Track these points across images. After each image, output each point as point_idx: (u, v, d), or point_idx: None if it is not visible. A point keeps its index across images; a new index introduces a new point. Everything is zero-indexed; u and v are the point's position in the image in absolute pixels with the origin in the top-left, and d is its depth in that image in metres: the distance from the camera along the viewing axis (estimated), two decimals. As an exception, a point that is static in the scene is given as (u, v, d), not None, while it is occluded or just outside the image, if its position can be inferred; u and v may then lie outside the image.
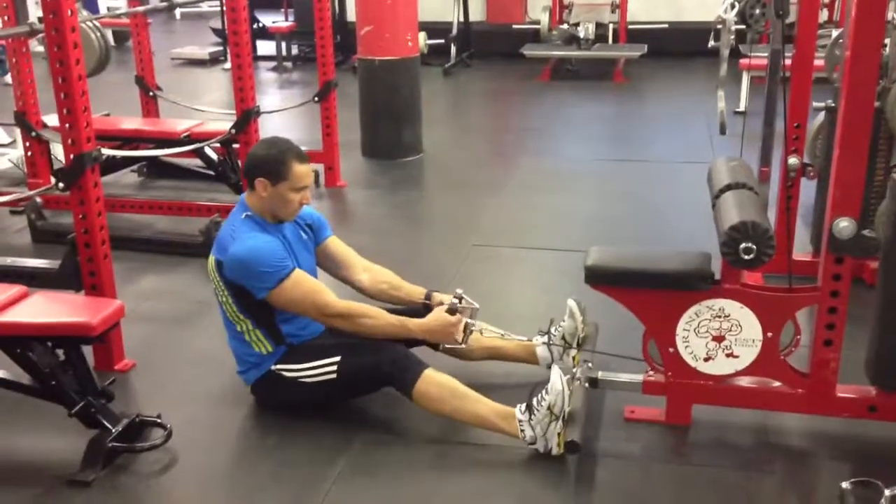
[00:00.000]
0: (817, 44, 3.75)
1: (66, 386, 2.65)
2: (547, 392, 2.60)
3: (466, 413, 2.70)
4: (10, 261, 3.62)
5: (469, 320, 2.90)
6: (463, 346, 2.90)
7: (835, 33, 4.62)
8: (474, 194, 5.37)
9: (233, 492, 2.61)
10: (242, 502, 2.57)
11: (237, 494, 2.60)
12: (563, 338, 3.05)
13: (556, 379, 2.61)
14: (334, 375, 2.78)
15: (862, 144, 2.42)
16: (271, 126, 6.55)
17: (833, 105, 3.67)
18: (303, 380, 2.81)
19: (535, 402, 2.62)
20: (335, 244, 3.11)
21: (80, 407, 2.66)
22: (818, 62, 3.77)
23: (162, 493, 2.59)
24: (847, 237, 2.45)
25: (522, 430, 2.63)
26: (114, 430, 2.66)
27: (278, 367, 2.84)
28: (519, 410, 2.65)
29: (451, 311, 2.85)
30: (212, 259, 2.85)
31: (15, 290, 2.76)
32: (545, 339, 3.06)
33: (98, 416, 2.68)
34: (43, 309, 2.72)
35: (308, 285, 2.80)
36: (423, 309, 2.97)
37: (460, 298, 2.89)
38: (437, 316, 2.84)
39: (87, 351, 2.82)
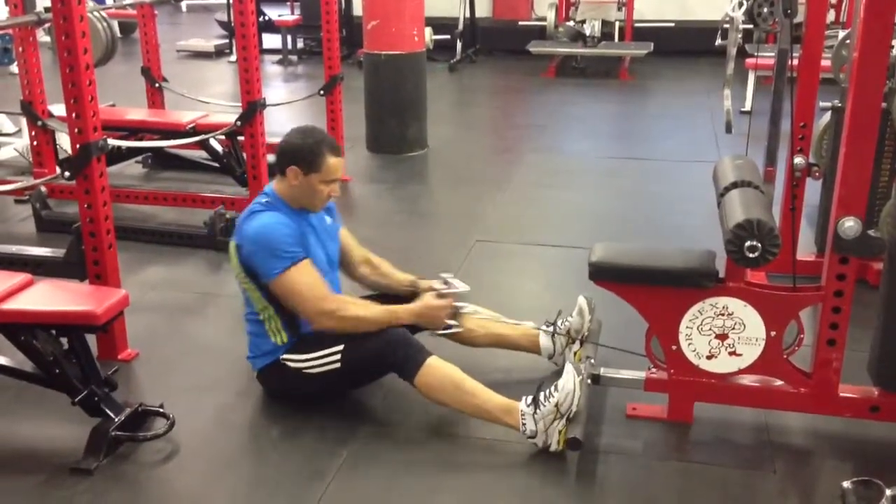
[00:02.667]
0: (824, 45, 3.74)
1: (69, 374, 2.66)
2: (556, 389, 2.61)
3: (468, 404, 2.71)
4: (15, 249, 3.64)
5: (460, 304, 2.92)
6: (458, 329, 2.94)
7: (841, 34, 4.62)
8: (479, 190, 5.37)
9: (235, 481, 2.62)
10: (245, 492, 2.57)
11: (240, 484, 2.61)
12: (568, 333, 3.06)
13: (569, 379, 2.61)
14: (338, 365, 2.78)
15: (868, 144, 2.42)
16: (276, 119, 6.56)
17: (840, 105, 3.67)
18: (307, 370, 2.82)
19: (542, 396, 2.63)
20: (344, 236, 3.14)
21: (84, 395, 2.67)
22: (825, 62, 3.77)
23: (164, 483, 2.59)
24: (852, 237, 2.45)
25: (524, 423, 2.63)
26: (116, 419, 2.67)
27: (285, 356, 2.85)
28: (524, 403, 2.65)
29: (440, 295, 2.88)
30: (231, 244, 2.85)
31: (20, 277, 2.76)
32: (550, 329, 3.07)
33: (101, 404, 2.69)
34: (48, 297, 2.73)
35: (310, 281, 2.78)
36: (410, 296, 2.98)
37: (447, 282, 2.90)
38: (425, 301, 2.88)
39: (91, 340, 2.82)
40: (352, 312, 2.80)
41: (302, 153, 2.80)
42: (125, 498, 2.50)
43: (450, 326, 2.94)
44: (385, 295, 3.07)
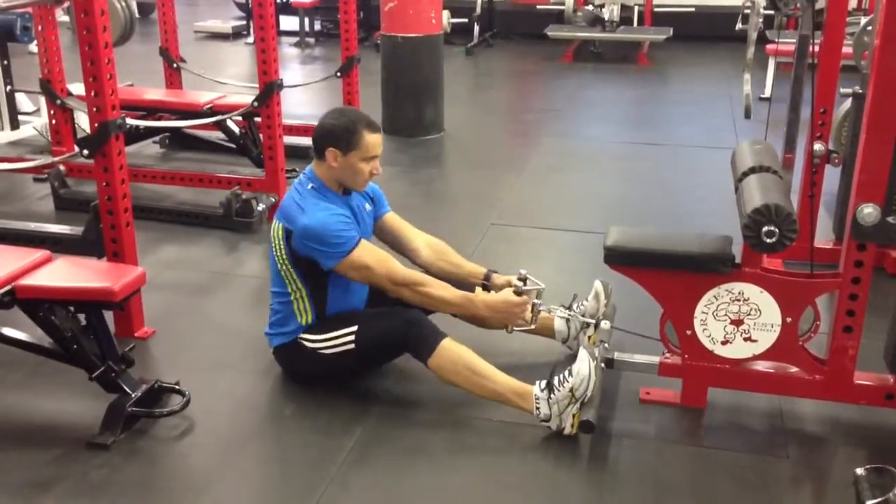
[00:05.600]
0: (846, 31, 3.71)
1: (87, 350, 2.69)
2: (571, 374, 2.61)
3: (481, 387, 2.71)
4: (34, 226, 3.67)
5: (536, 301, 2.89)
6: (532, 326, 2.92)
7: (863, 20, 4.57)
8: (494, 174, 5.36)
9: (249, 458, 2.64)
10: (258, 469, 2.60)
11: (254, 461, 2.63)
12: (583, 316, 3.05)
13: (585, 364, 2.60)
14: (352, 346, 2.80)
15: (889, 131, 2.39)
16: (293, 101, 6.57)
17: (860, 91, 3.64)
18: (322, 351, 2.83)
19: (556, 381, 2.63)
20: (394, 219, 3.12)
21: (101, 371, 2.69)
22: (846, 49, 3.74)
23: (179, 458, 2.62)
24: (871, 223, 2.43)
25: (538, 407, 2.64)
26: (133, 395, 2.70)
27: (302, 336, 2.86)
28: (538, 387, 2.66)
29: (517, 292, 2.84)
30: (278, 226, 2.83)
31: (39, 254, 2.79)
32: (565, 313, 3.07)
33: (118, 380, 2.72)
34: (66, 274, 2.75)
35: (377, 253, 2.82)
36: (481, 288, 2.96)
37: (524, 280, 2.88)
38: (504, 297, 2.84)
39: (108, 317, 2.84)
40: (432, 291, 2.81)
41: (338, 133, 2.78)
42: (141, 472, 2.53)
43: (526, 322, 2.89)
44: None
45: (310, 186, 2.84)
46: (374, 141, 2.81)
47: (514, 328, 2.92)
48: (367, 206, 3.01)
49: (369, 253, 2.80)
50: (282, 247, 2.82)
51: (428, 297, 2.82)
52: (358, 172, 2.82)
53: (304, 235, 2.75)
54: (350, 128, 2.78)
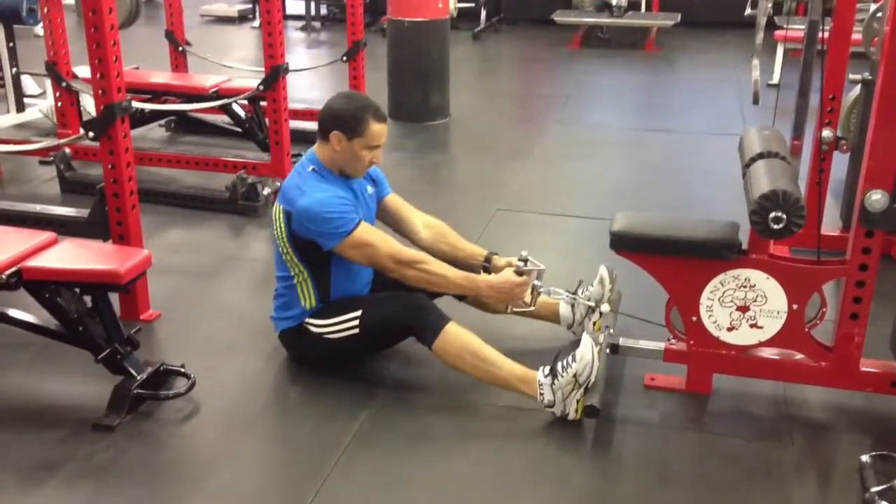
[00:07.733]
0: (855, 17, 3.68)
1: (92, 332, 2.69)
2: (574, 359, 2.60)
3: (485, 372, 2.71)
4: (39, 208, 3.68)
5: (537, 282, 2.89)
6: (532, 308, 2.93)
7: (873, 7, 4.54)
8: (501, 159, 5.35)
9: (254, 441, 2.65)
10: (263, 452, 2.61)
11: (258, 444, 2.64)
12: (588, 301, 3.05)
13: (588, 349, 2.60)
14: (356, 330, 2.80)
15: (899, 117, 2.38)
16: (299, 85, 6.56)
17: (870, 78, 3.61)
18: (327, 336, 2.83)
19: (559, 367, 2.62)
20: (395, 200, 3.10)
21: (107, 353, 2.70)
22: (855, 35, 3.71)
23: (184, 440, 2.63)
24: (879, 210, 2.42)
25: (542, 394, 2.63)
26: (138, 378, 2.71)
27: (308, 320, 2.86)
28: (541, 373, 2.66)
29: (518, 272, 2.83)
30: (278, 208, 2.83)
31: (45, 236, 2.79)
32: (570, 299, 3.07)
33: (123, 362, 2.72)
34: (72, 256, 2.75)
35: (379, 234, 2.80)
36: (482, 271, 2.95)
37: (525, 261, 2.87)
38: (506, 277, 2.82)
39: (114, 300, 2.84)
40: (436, 268, 2.79)
41: (345, 118, 2.77)
42: (146, 454, 2.54)
43: (527, 304, 2.90)
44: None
45: (310, 168, 2.84)
46: (379, 130, 2.80)
47: (515, 309, 2.92)
48: (370, 189, 3.00)
49: (370, 234, 2.78)
50: (283, 230, 2.81)
51: (432, 275, 2.79)
52: (359, 159, 2.81)
53: (303, 217, 2.75)
54: (357, 114, 2.77)
